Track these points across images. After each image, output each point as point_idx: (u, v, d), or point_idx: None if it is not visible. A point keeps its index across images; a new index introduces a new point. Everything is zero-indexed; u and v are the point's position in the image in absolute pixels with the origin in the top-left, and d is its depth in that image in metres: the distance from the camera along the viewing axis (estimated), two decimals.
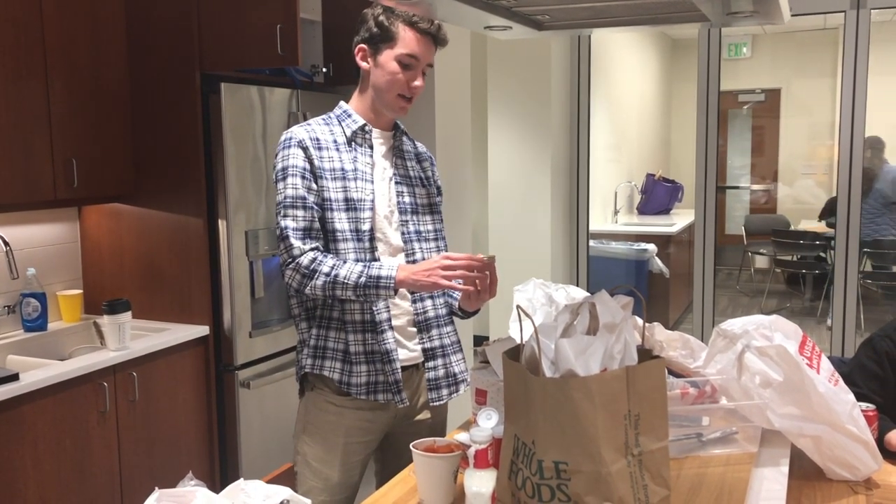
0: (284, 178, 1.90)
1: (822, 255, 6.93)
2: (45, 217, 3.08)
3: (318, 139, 1.94)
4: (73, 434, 2.56)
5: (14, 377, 2.40)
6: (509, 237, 4.86)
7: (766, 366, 1.66)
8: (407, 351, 2.00)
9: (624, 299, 1.45)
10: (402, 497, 1.62)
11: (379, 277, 1.83)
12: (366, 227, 1.94)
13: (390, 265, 1.86)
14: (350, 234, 1.92)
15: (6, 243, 2.78)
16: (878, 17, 4.13)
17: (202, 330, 3.01)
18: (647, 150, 8.14)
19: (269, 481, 1.47)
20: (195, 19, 2.93)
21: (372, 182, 1.97)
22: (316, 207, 1.90)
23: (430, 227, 2.08)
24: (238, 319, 3.03)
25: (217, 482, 3.07)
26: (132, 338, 2.79)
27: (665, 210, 7.27)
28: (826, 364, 1.72)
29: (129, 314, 2.74)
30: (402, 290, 1.91)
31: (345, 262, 1.87)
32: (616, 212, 6.87)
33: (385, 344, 1.95)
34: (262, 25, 2.89)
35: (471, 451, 1.43)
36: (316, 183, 1.91)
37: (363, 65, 1.98)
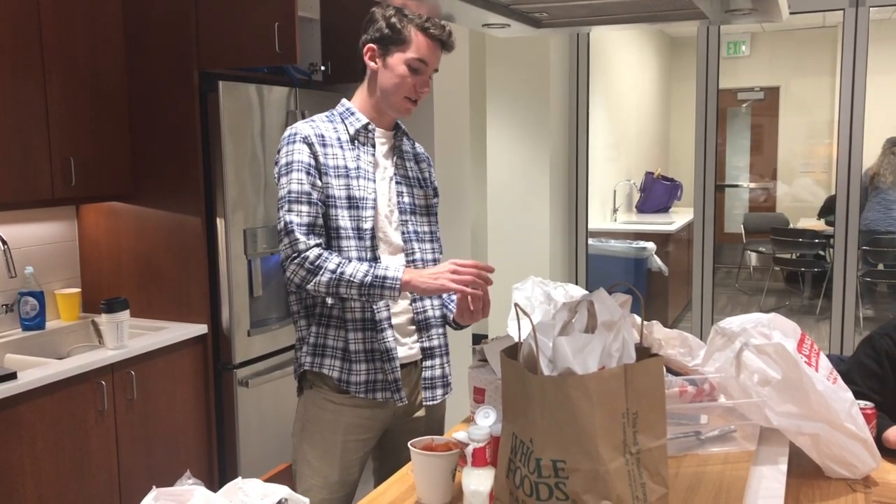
0: (289, 173, 1.89)
1: (821, 253, 6.93)
2: (43, 216, 3.08)
3: (322, 135, 1.93)
4: (72, 433, 2.56)
5: (12, 376, 2.40)
6: (508, 235, 4.86)
7: (764, 364, 1.66)
8: (405, 349, 2.00)
9: (622, 297, 1.45)
10: (400, 495, 1.62)
11: (385, 277, 1.83)
12: (367, 225, 1.93)
13: (396, 266, 1.86)
14: (352, 233, 1.91)
15: (4, 242, 2.77)
16: (877, 15, 4.12)
17: (200, 328, 3.01)
18: (646, 148, 8.14)
19: (268, 480, 1.47)
20: (193, 18, 2.93)
21: (374, 181, 1.97)
22: (320, 204, 1.89)
23: (426, 229, 2.08)
24: (236, 318, 3.03)
25: (215, 481, 3.07)
26: (130, 336, 2.79)
27: (664, 208, 7.27)
28: (825, 362, 1.72)
29: (127, 313, 2.73)
30: None
31: (350, 260, 1.87)
32: (615, 210, 6.87)
33: (385, 342, 1.95)
34: (261, 24, 2.89)
35: (469, 450, 1.43)
36: (320, 179, 1.90)
37: (371, 64, 1.98)
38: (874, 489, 1.62)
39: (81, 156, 2.86)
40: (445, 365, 2.08)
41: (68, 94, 2.81)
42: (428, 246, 2.07)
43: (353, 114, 2.00)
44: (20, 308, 2.92)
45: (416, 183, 2.08)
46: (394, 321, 1.98)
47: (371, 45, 1.97)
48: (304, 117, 3.19)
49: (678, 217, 6.83)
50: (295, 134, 1.92)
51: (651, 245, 5.92)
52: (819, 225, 7.02)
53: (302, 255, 1.85)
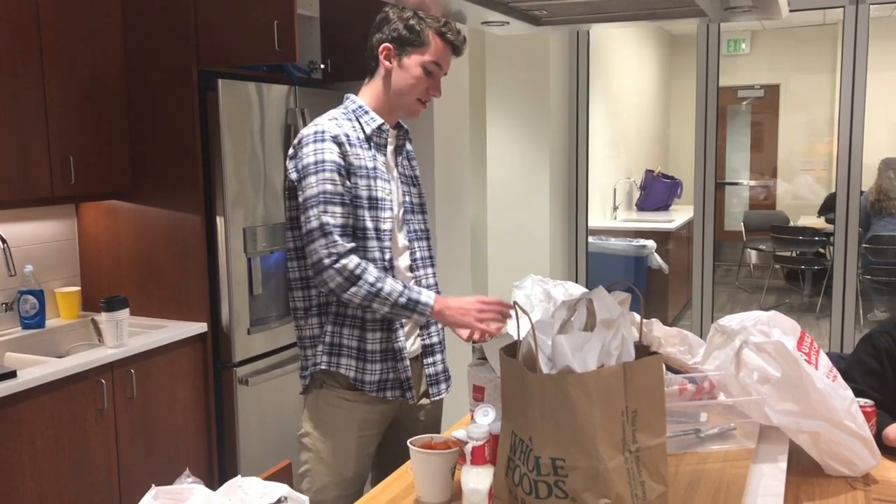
0: (319, 172, 1.87)
1: (821, 250, 6.93)
2: (43, 214, 3.08)
3: (347, 135, 1.93)
4: (71, 431, 2.56)
5: (12, 374, 2.40)
6: (508, 233, 4.85)
7: (764, 362, 1.66)
8: (409, 346, 2.03)
9: (621, 295, 1.45)
10: (399, 494, 1.62)
11: (418, 302, 1.87)
12: (387, 226, 1.96)
13: (429, 293, 1.90)
14: (372, 233, 1.93)
15: (3, 241, 2.77)
16: (878, 12, 4.12)
17: (200, 327, 3.01)
18: (646, 146, 8.14)
19: (267, 478, 1.47)
20: (192, 16, 2.92)
21: (388, 181, 1.99)
22: (350, 205, 1.90)
23: (423, 227, 2.11)
24: (236, 316, 3.03)
25: (215, 479, 3.07)
26: (130, 335, 2.79)
27: (664, 206, 7.26)
28: (824, 360, 1.72)
29: (126, 311, 2.73)
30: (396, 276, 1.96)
31: (384, 276, 1.88)
32: (615, 208, 6.86)
33: (397, 342, 1.97)
34: (260, 22, 2.88)
35: (468, 448, 1.43)
36: (349, 180, 1.90)
37: (386, 64, 1.98)
38: (874, 487, 1.62)
39: (81, 154, 2.86)
40: (446, 360, 2.12)
41: (67, 92, 2.81)
42: (425, 244, 2.10)
43: (366, 112, 1.99)
44: (20, 307, 2.92)
45: (413, 181, 2.11)
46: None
47: (387, 44, 1.97)
48: (303, 115, 3.21)
49: (678, 215, 6.83)
50: (323, 132, 1.90)
51: (651, 243, 5.91)
52: (819, 223, 7.02)
53: (341, 262, 1.85)
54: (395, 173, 2.04)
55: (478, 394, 1.77)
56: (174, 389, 2.94)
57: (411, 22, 1.94)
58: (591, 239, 5.24)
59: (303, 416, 2.04)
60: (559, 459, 1.27)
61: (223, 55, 2.94)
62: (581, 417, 1.26)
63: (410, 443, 1.58)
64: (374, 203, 1.93)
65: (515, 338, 1.42)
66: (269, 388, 3.18)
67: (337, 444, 1.97)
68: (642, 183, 7.38)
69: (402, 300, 1.86)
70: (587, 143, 5.02)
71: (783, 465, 1.65)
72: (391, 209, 1.97)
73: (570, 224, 5.07)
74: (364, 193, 1.92)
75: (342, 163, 1.89)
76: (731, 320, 1.77)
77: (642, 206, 7.32)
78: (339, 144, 1.90)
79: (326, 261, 1.85)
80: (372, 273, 1.86)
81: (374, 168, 1.95)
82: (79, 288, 3.14)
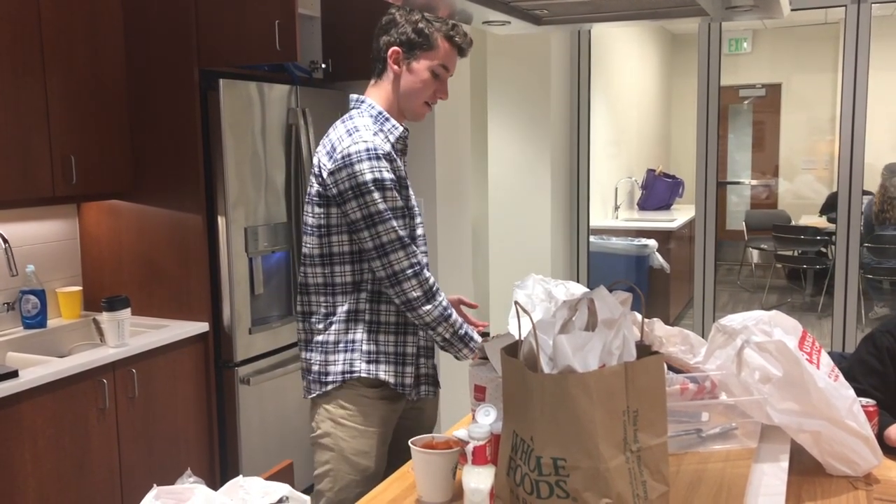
0: (382, 189, 1.87)
1: (823, 250, 6.92)
2: (44, 214, 3.08)
3: (391, 148, 1.95)
4: (73, 431, 2.56)
5: (13, 374, 2.40)
6: (509, 232, 4.85)
7: (765, 361, 1.66)
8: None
9: (623, 295, 1.45)
10: (400, 493, 1.62)
11: (472, 338, 1.97)
12: (420, 232, 2.01)
13: (475, 333, 1.99)
14: (408, 242, 1.95)
15: (5, 240, 2.77)
16: (879, 11, 4.12)
17: (202, 326, 3.01)
18: (648, 145, 8.13)
19: (269, 478, 1.47)
20: (193, 15, 2.93)
21: (409, 187, 2.01)
22: (406, 218, 1.95)
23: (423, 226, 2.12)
24: (238, 316, 3.03)
25: (216, 479, 3.07)
26: (131, 334, 2.79)
27: (665, 205, 7.26)
28: (826, 359, 1.72)
29: (128, 311, 2.73)
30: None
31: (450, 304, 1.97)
32: (616, 207, 6.86)
33: (428, 340, 2.04)
34: (261, 21, 2.88)
35: (469, 448, 1.42)
36: (399, 195, 1.93)
37: (395, 67, 1.98)
38: (875, 487, 1.62)
39: (82, 154, 2.86)
40: (437, 359, 2.16)
41: (69, 92, 2.81)
42: (424, 242, 2.10)
43: (388, 119, 1.99)
44: (21, 306, 2.92)
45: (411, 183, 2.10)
46: None
47: (396, 48, 1.97)
48: (304, 115, 3.21)
49: (679, 214, 6.82)
50: (375, 149, 1.89)
51: (652, 242, 5.91)
52: (821, 222, 7.02)
53: (424, 275, 1.90)
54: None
55: (479, 393, 1.77)
56: (176, 389, 2.94)
57: (420, 25, 1.94)
58: (592, 238, 5.23)
59: (316, 417, 2.02)
60: (560, 459, 1.27)
61: (224, 55, 2.94)
62: (582, 417, 1.26)
63: (412, 443, 1.58)
64: (410, 212, 1.98)
65: (517, 337, 1.42)
66: (270, 388, 3.18)
67: (359, 442, 1.98)
68: (643, 182, 7.38)
69: (462, 332, 1.96)
70: (588, 142, 5.01)
71: (785, 464, 1.64)
72: (420, 215, 2.02)
73: (572, 223, 5.07)
74: (403, 204, 1.95)
75: (395, 178, 1.91)
76: (733, 320, 1.77)
77: (643, 205, 7.32)
78: (391, 161, 1.91)
79: (409, 271, 1.88)
80: (444, 296, 1.95)
81: (403, 176, 1.98)
82: (80, 288, 3.15)
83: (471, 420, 1.79)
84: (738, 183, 8.86)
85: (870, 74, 4.02)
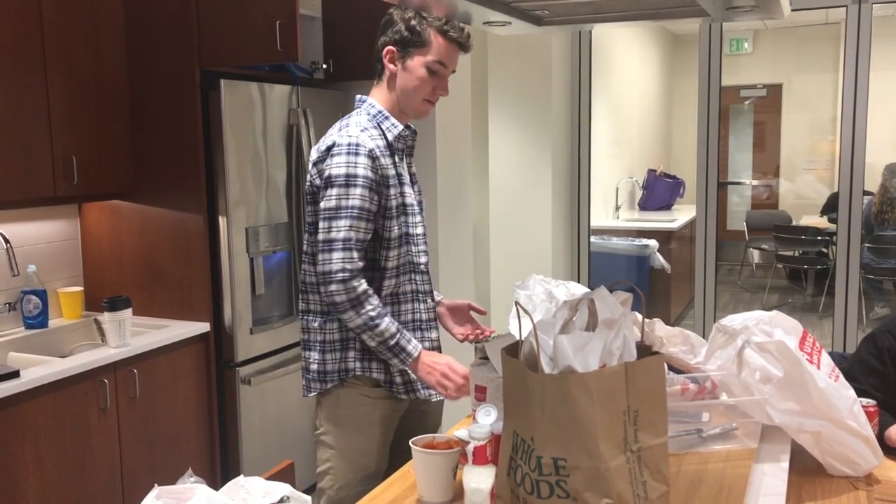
0: (351, 186, 1.87)
1: (824, 250, 6.92)
2: (46, 214, 3.08)
3: (378, 147, 1.93)
4: (74, 431, 2.56)
5: (15, 374, 2.40)
6: (510, 233, 4.85)
7: (766, 361, 1.66)
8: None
9: (623, 295, 1.45)
10: (401, 493, 1.62)
11: (403, 349, 1.91)
12: (419, 230, 2.00)
13: (416, 345, 1.93)
14: (404, 239, 1.95)
15: (7, 240, 2.78)
16: (880, 11, 4.12)
17: (203, 326, 3.01)
18: (649, 145, 8.13)
19: (269, 478, 1.47)
20: (194, 16, 2.93)
21: (410, 185, 2.00)
22: (372, 221, 1.92)
23: (424, 226, 2.12)
24: (239, 316, 3.03)
25: (217, 479, 3.07)
26: (133, 335, 2.79)
27: (666, 206, 7.26)
28: (826, 360, 1.72)
29: (129, 311, 2.74)
30: (425, 278, 2.03)
31: (385, 313, 1.91)
32: (617, 207, 6.86)
33: (430, 341, 2.03)
34: (262, 22, 2.89)
35: (470, 448, 1.43)
36: (379, 195, 1.91)
37: (391, 67, 1.98)
38: (876, 487, 1.62)
39: (83, 154, 2.86)
40: None
41: (70, 92, 2.81)
42: (424, 241, 2.11)
43: (387, 118, 1.99)
44: (23, 306, 2.92)
45: (415, 180, 2.11)
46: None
47: (391, 47, 1.97)
48: (305, 115, 3.21)
49: (680, 214, 6.82)
50: (358, 146, 1.88)
51: (653, 242, 5.91)
52: (822, 222, 7.01)
53: (352, 283, 1.86)
54: (408, 174, 2.06)
55: (479, 393, 1.77)
56: (177, 389, 2.94)
57: (412, 23, 1.94)
58: (593, 238, 5.24)
59: (319, 415, 2.04)
60: (561, 459, 1.27)
61: (225, 55, 2.94)
62: (583, 417, 1.26)
63: (412, 442, 1.58)
64: (405, 210, 1.96)
65: (517, 338, 1.42)
66: (271, 388, 3.18)
67: (360, 441, 1.99)
68: (644, 182, 7.38)
69: (391, 342, 1.90)
70: (589, 142, 5.01)
71: (785, 464, 1.64)
72: (420, 213, 2.01)
73: (573, 223, 5.07)
74: (396, 202, 1.94)
75: (374, 177, 1.89)
76: (734, 320, 1.77)
77: (644, 205, 7.32)
78: (373, 159, 1.89)
79: (339, 275, 1.86)
80: (374, 305, 1.88)
81: (400, 175, 1.96)
82: (82, 288, 3.15)
83: (471, 420, 1.79)
84: (738, 183, 8.86)
85: (871, 74, 4.02)
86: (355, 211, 1.87)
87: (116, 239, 3.15)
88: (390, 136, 1.97)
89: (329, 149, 1.90)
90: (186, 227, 3.01)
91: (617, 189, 6.86)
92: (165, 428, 2.90)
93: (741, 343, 1.71)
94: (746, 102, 8.80)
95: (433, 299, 2.10)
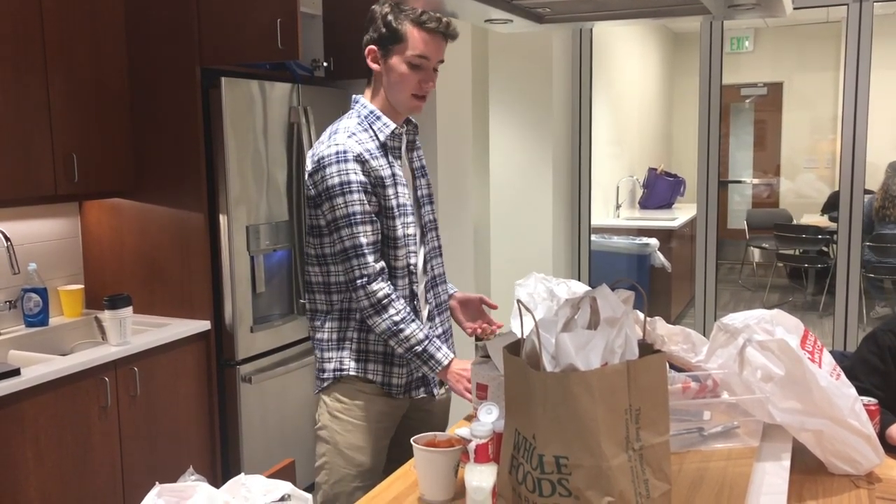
0: (347, 193, 1.87)
1: (825, 249, 6.92)
2: (46, 212, 3.08)
3: (369, 150, 1.92)
4: (75, 429, 2.56)
5: (15, 372, 2.40)
6: (511, 231, 4.86)
7: (767, 360, 1.66)
8: None
9: (625, 293, 1.45)
10: (403, 492, 1.62)
11: (432, 357, 1.91)
12: (412, 231, 1.99)
13: (447, 353, 1.94)
14: (401, 241, 1.95)
15: (7, 238, 2.78)
16: (881, 10, 4.11)
17: (203, 325, 3.01)
18: (649, 144, 8.12)
19: (270, 476, 1.47)
20: (195, 14, 2.93)
21: (406, 184, 2.00)
22: (377, 221, 1.92)
23: (434, 217, 2.12)
24: (239, 314, 3.03)
25: (218, 477, 3.08)
26: (133, 333, 2.79)
27: (667, 204, 7.25)
28: (828, 358, 1.72)
29: (130, 309, 2.74)
30: (419, 272, 2.01)
31: (411, 318, 1.91)
32: (618, 206, 6.85)
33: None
34: (262, 20, 2.88)
35: (471, 446, 1.42)
36: (374, 196, 1.91)
37: (374, 66, 1.97)
38: (877, 485, 1.62)
39: (84, 152, 2.86)
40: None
41: (70, 90, 2.81)
42: (436, 234, 2.11)
43: (378, 118, 1.98)
44: (23, 304, 2.92)
45: (423, 172, 2.11)
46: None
47: (371, 46, 1.96)
48: (306, 113, 3.21)
49: (681, 213, 6.82)
50: (345, 152, 1.88)
51: (654, 241, 5.91)
52: (822, 221, 7.01)
53: (371, 287, 1.88)
54: (409, 170, 2.05)
55: (481, 392, 1.77)
56: (177, 387, 2.94)
57: (388, 18, 1.91)
58: (593, 237, 5.24)
59: (318, 410, 2.05)
60: (562, 457, 1.27)
61: (226, 53, 2.94)
62: (584, 415, 1.26)
63: (414, 441, 1.58)
64: (400, 210, 1.95)
65: (519, 336, 1.42)
66: (272, 386, 3.18)
67: (354, 437, 1.99)
68: (645, 181, 7.37)
69: (419, 349, 1.91)
70: (590, 140, 5.01)
71: (786, 463, 1.64)
72: (413, 213, 2.00)
73: (573, 222, 5.07)
74: (392, 203, 1.93)
75: (366, 181, 1.89)
76: (735, 318, 1.77)
77: (645, 204, 7.32)
78: (362, 163, 1.89)
79: (358, 281, 1.88)
80: (397, 309, 1.89)
81: (394, 175, 1.95)
82: (82, 286, 3.15)
83: (473, 418, 1.79)
84: (739, 182, 8.85)
85: (871, 73, 4.02)
86: (357, 217, 1.88)
87: (117, 237, 3.15)
88: (382, 137, 1.96)
89: (319, 161, 1.90)
90: (187, 226, 3.01)
91: (617, 188, 6.86)
92: (166, 426, 2.90)
93: (742, 341, 1.71)
94: (747, 101, 8.79)
95: (433, 299, 2.09)
